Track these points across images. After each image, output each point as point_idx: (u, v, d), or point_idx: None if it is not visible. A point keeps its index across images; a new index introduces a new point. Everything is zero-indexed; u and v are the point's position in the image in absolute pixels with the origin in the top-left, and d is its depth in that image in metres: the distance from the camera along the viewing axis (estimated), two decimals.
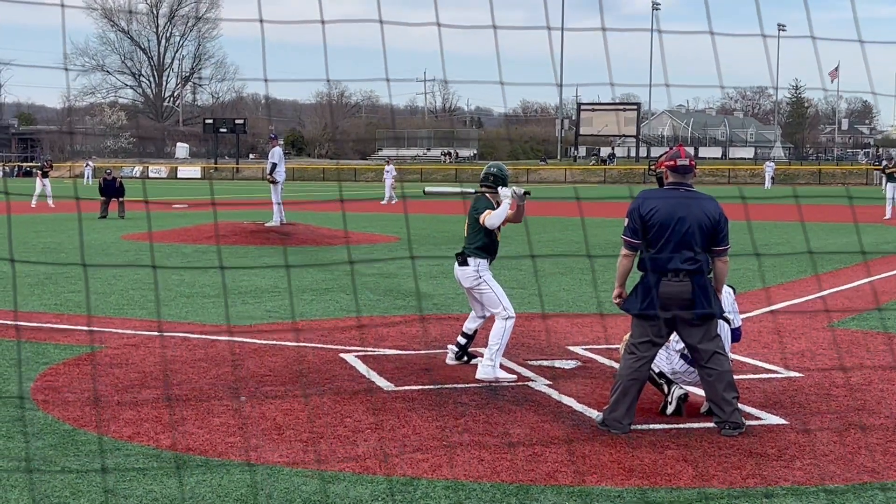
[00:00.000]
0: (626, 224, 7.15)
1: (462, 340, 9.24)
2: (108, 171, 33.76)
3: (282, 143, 24.37)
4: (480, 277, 8.81)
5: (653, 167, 7.54)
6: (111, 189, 31.67)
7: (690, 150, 7.74)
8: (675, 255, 6.98)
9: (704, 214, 7.05)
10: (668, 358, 7.62)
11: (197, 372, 8.74)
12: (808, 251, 19.34)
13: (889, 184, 30.57)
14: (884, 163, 31.81)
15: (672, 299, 6.97)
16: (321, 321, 11.50)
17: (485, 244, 8.84)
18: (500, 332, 8.65)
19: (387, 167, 44.13)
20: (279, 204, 23.87)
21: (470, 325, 9.21)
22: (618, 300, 7.29)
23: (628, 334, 7.35)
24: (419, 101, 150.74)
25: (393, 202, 41.33)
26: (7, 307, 12.42)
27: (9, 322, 11.25)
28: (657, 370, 7.55)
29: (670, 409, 7.40)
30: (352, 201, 43.60)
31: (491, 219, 8.69)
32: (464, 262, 8.85)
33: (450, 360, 9.24)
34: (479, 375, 8.56)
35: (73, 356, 9.35)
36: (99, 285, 14.47)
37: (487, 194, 8.94)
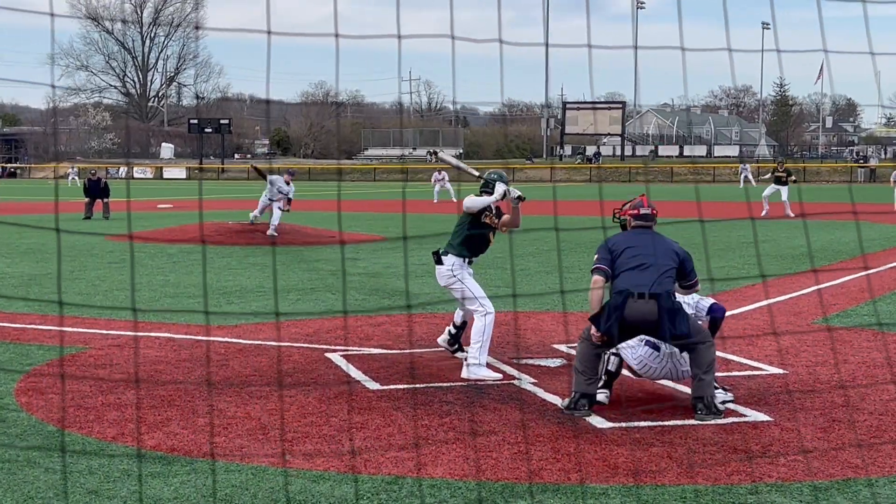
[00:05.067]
0: (595, 258, 7.58)
1: (453, 330, 9.32)
2: (93, 171, 33.69)
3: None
4: (454, 276, 8.78)
5: (617, 214, 7.96)
6: (96, 189, 31.56)
7: (651, 203, 7.96)
8: (641, 277, 7.32)
9: (670, 249, 7.52)
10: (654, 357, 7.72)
11: (182, 372, 8.71)
12: (750, 254, 19.37)
13: (777, 186, 31.88)
14: (775, 166, 33.23)
15: (637, 320, 7.28)
16: (307, 321, 11.49)
17: (466, 240, 8.81)
18: (480, 330, 8.65)
19: (437, 175, 45.00)
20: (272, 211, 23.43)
21: (457, 318, 9.32)
22: (596, 336, 7.42)
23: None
24: (405, 99, 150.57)
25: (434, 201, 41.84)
26: None
27: None
28: (613, 368, 7.79)
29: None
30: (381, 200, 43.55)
31: (469, 200, 8.74)
32: (439, 261, 8.85)
33: (441, 339, 9.35)
34: (464, 374, 8.57)
35: (58, 357, 9.31)
36: (83, 286, 14.42)
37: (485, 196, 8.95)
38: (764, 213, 31.30)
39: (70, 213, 32.40)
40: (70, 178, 74.19)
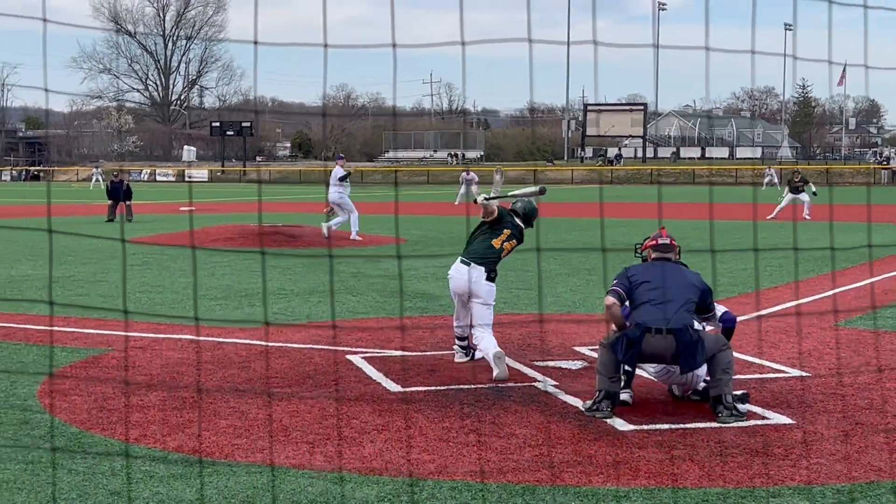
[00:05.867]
0: (614, 282, 7.60)
1: (463, 343, 9.31)
2: (115, 173, 33.77)
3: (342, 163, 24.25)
4: (492, 295, 9.04)
5: (639, 249, 8.08)
6: (118, 191, 31.60)
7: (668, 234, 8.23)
8: (660, 312, 7.34)
9: (690, 283, 7.53)
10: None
11: (204, 374, 8.75)
12: (794, 248, 19.29)
13: (790, 194, 31.62)
14: (793, 175, 32.95)
15: (655, 355, 7.36)
16: (328, 322, 11.51)
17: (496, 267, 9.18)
18: (489, 343, 8.78)
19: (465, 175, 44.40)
20: (355, 212, 23.33)
21: (458, 332, 9.33)
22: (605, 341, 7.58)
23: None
24: (426, 102, 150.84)
25: (456, 203, 42.02)
26: (15, 311, 12.44)
27: (16, 325, 11.28)
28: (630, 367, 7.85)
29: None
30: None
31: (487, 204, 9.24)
32: (493, 279, 9.04)
33: (458, 358, 9.29)
34: (495, 354, 8.59)
35: (81, 359, 9.37)
36: (106, 288, 14.50)
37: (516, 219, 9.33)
38: (771, 216, 30.71)
39: (92, 216, 32.55)
40: (94, 179, 74.61)
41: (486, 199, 9.24)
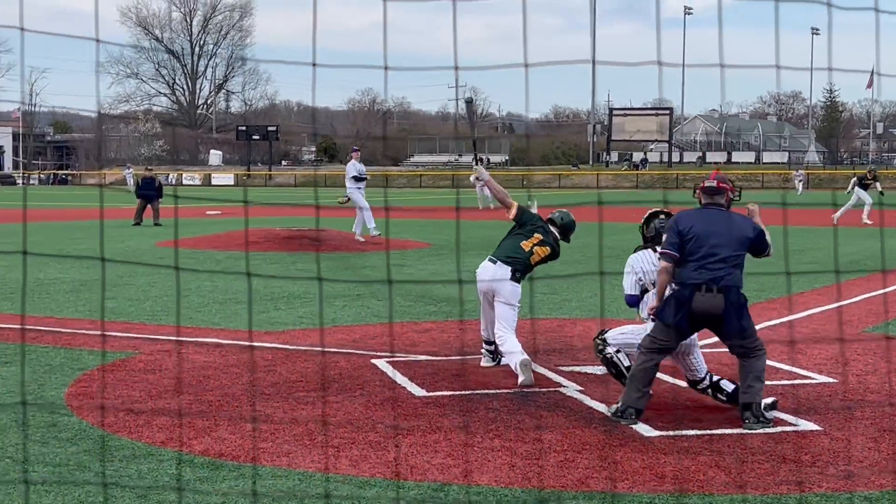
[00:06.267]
0: (664, 240, 7.40)
1: (490, 347, 9.30)
2: (149, 167, 33.36)
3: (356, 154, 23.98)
4: (516, 296, 9.04)
5: (695, 191, 7.79)
6: (150, 188, 30.88)
7: (722, 175, 7.90)
8: (710, 270, 7.15)
9: (740, 231, 7.32)
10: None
11: (230, 378, 8.78)
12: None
13: (859, 189, 30.55)
14: (867, 171, 32.07)
15: (704, 313, 7.17)
16: (353, 327, 11.53)
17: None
18: (513, 345, 8.79)
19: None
20: (367, 209, 23.12)
21: (488, 335, 9.32)
22: (652, 312, 7.44)
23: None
24: (450, 106, 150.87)
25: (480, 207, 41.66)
26: (43, 314, 12.53)
27: (44, 328, 11.35)
28: (625, 363, 7.91)
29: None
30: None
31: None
32: (519, 280, 9.04)
33: (485, 363, 9.28)
34: (522, 362, 8.55)
35: (108, 362, 9.42)
36: (133, 292, 14.57)
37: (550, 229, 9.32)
38: (835, 219, 29.81)
39: (119, 219, 32.69)
40: (128, 178, 74.80)
41: (477, 178, 9.66)
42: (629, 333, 8.06)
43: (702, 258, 7.17)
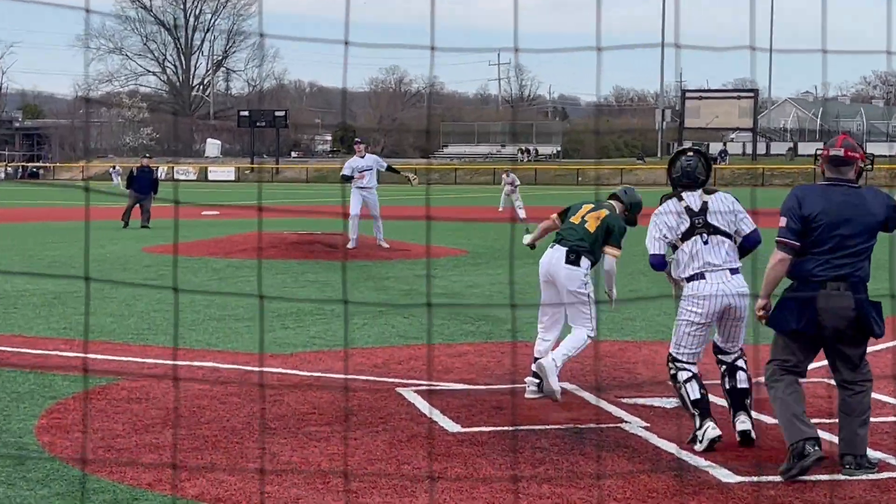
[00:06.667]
0: (782, 224, 7.13)
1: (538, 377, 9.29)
2: (147, 154, 32.97)
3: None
4: (586, 284, 9.12)
5: (818, 157, 7.56)
6: (145, 182, 30.73)
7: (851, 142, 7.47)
8: (837, 263, 7.03)
9: (873, 217, 7.14)
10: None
11: (228, 409, 8.82)
12: None
13: None
14: None
15: (832, 315, 6.99)
16: (375, 349, 11.56)
17: (599, 254, 9.27)
18: (579, 343, 9.01)
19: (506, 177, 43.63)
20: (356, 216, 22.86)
21: (541, 349, 9.31)
22: (762, 313, 7.28)
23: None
24: (491, 88, 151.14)
25: (500, 210, 41.57)
26: (9, 331, 12.64)
27: (10, 349, 11.45)
28: (695, 395, 7.81)
29: (699, 447, 7.61)
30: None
31: (610, 263, 9.24)
32: (576, 261, 9.06)
33: (530, 394, 9.27)
34: (536, 366, 8.85)
35: (85, 389, 9.48)
36: (115, 307, 14.68)
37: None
38: None
39: (105, 220, 32.93)
40: (114, 177, 75.39)
41: (530, 243, 9.83)
42: (684, 335, 8.00)
43: (830, 251, 7.02)
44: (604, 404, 9.03)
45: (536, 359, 9.27)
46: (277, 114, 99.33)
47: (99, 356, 10.99)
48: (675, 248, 7.99)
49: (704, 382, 7.99)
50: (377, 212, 22.84)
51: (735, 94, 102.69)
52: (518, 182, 42.65)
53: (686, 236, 7.90)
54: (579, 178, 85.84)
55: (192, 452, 7.54)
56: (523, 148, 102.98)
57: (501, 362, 10.74)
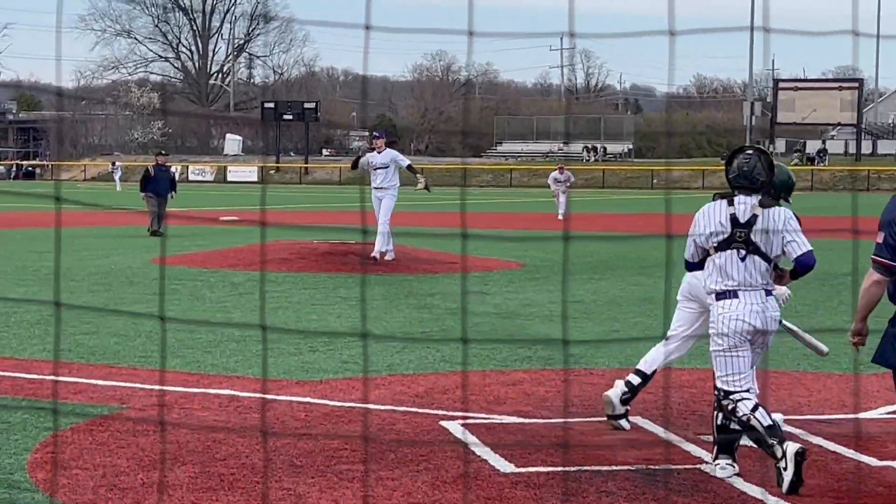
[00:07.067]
0: (879, 240, 7.02)
1: (637, 380, 9.30)
2: (163, 151, 33.08)
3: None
4: (690, 291, 9.13)
5: None
6: (164, 182, 30.93)
7: None
8: None
9: None
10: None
11: (248, 444, 8.85)
12: None
13: None
14: None
15: None
16: (416, 376, 11.56)
17: None
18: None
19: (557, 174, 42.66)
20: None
21: (652, 364, 9.30)
22: (857, 339, 7.24)
23: None
24: (553, 77, 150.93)
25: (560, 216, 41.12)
26: None
27: (1, 373, 11.55)
28: (766, 421, 7.78)
29: (788, 477, 7.55)
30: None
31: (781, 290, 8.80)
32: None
33: (613, 394, 9.26)
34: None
35: (85, 420, 9.55)
36: (121, 325, 14.77)
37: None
38: None
39: (109, 226, 33.10)
40: (115, 175, 75.98)
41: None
42: (726, 361, 8.04)
43: None
44: (680, 442, 8.99)
45: (639, 371, 9.32)
46: (307, 106, 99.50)
47: (101, 382, 11.07)
48: (707, 253, 8.08)
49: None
50: (386, 217, 22.52)
51: (836, 85, 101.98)
52: (573, 180, 42.21)
53: (722, 247, 7.95)
54: (654, 181, 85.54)
55: (206, 493, 7.57)
56: (589, 146, 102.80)
57: (562, 392, 10.71)
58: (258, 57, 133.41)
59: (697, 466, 8.34)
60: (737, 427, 7.95)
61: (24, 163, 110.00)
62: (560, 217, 40.58)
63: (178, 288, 18.91)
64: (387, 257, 22.51)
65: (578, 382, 11.21)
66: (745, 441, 8.52)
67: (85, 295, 17.98)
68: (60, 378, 11.25)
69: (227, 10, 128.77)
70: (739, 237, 7.88)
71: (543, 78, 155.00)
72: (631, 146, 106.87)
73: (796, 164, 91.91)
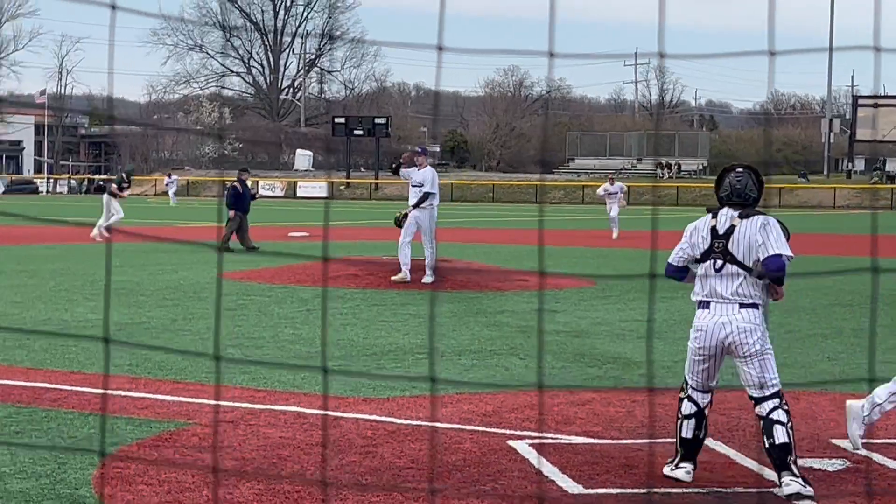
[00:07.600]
0: None
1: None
2: (246, 168, 33.73)
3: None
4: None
5: None
6: (248, 199, 31.95)
7: None
8: None
9: None
10: None
11: (314, 460, 8.87)
12: None
13: None
14: None
15: None
16: (484, 395, 11.55)
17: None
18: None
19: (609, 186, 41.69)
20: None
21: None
22: None
23: None
24: (627, 92, 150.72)
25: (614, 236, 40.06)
26: (67, 367, 12.87)
27: (67, 387, 11.66)
28: (686, 433, 8.36)
29: (666, 469, 8.24)
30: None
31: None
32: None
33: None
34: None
35: (151, 435, 9.61)
36: (189, 341, 14.88)
37: None
38: None
39: (171, 240, 33.33)
40: (170, 189, 76.37)
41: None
42: (692, 362, 8.37)
43: None
44: (753, 464, 8.92)
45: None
46: (378, 121, 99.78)
47: (168, 397, 11.14)
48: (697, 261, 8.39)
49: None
50: (430, 235, 22.38)
51: None
52: (626, 189, 41.55)
53: (703, 258, 8.29)
54: None
55: None
56: (663, 162, 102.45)
57: (632, 413, 10.66)
58: (329, 72, 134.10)
59: (771, 490, 8.27)
60: (784, 440, 8.07)
61: (96, 177, 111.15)
62: (615, 237, 39.44)
63: (245, 304, 19.01)
64: (399, 275, 22.22)
65: (648, 402, 11.14)
66: (811, 463, 8.45)
67: (155, 309, 18.12)
68: (128, 393, 11.36)
69: (298, 26, 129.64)
70: (717, 248, 8.21)
71: (617, 93, 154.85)
72: (706, 163, 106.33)
73: (876, 182, 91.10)
